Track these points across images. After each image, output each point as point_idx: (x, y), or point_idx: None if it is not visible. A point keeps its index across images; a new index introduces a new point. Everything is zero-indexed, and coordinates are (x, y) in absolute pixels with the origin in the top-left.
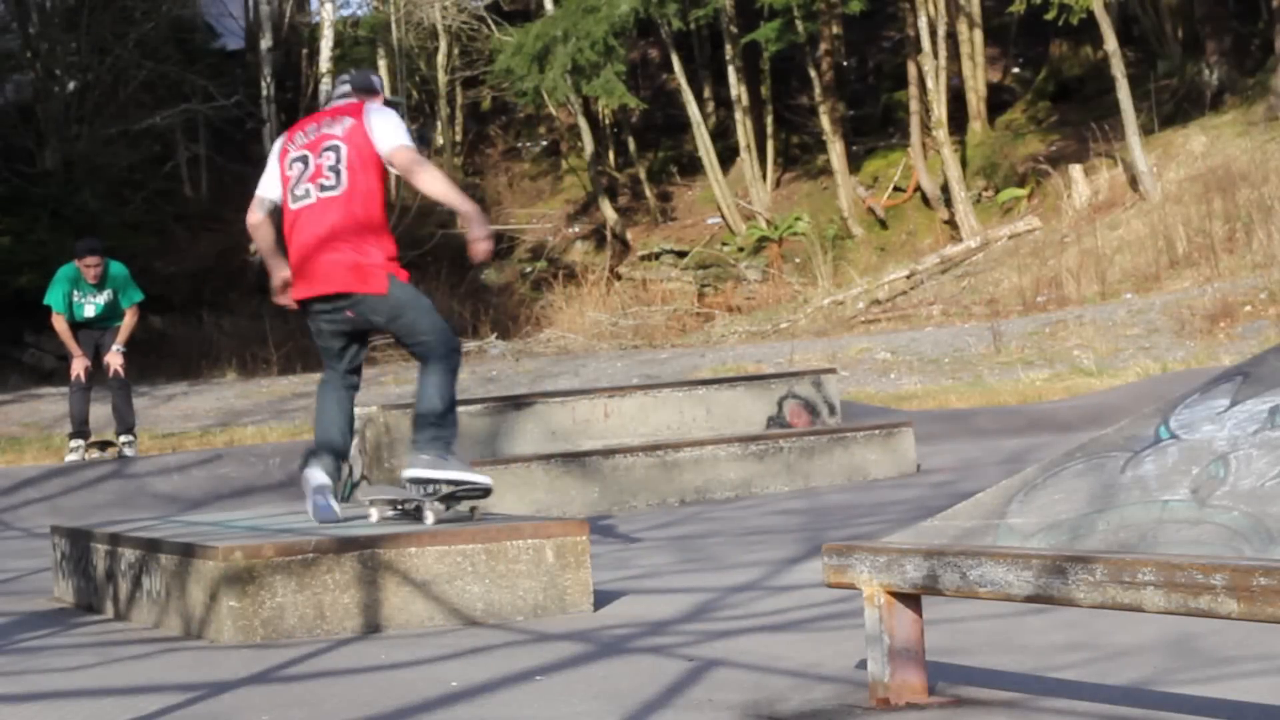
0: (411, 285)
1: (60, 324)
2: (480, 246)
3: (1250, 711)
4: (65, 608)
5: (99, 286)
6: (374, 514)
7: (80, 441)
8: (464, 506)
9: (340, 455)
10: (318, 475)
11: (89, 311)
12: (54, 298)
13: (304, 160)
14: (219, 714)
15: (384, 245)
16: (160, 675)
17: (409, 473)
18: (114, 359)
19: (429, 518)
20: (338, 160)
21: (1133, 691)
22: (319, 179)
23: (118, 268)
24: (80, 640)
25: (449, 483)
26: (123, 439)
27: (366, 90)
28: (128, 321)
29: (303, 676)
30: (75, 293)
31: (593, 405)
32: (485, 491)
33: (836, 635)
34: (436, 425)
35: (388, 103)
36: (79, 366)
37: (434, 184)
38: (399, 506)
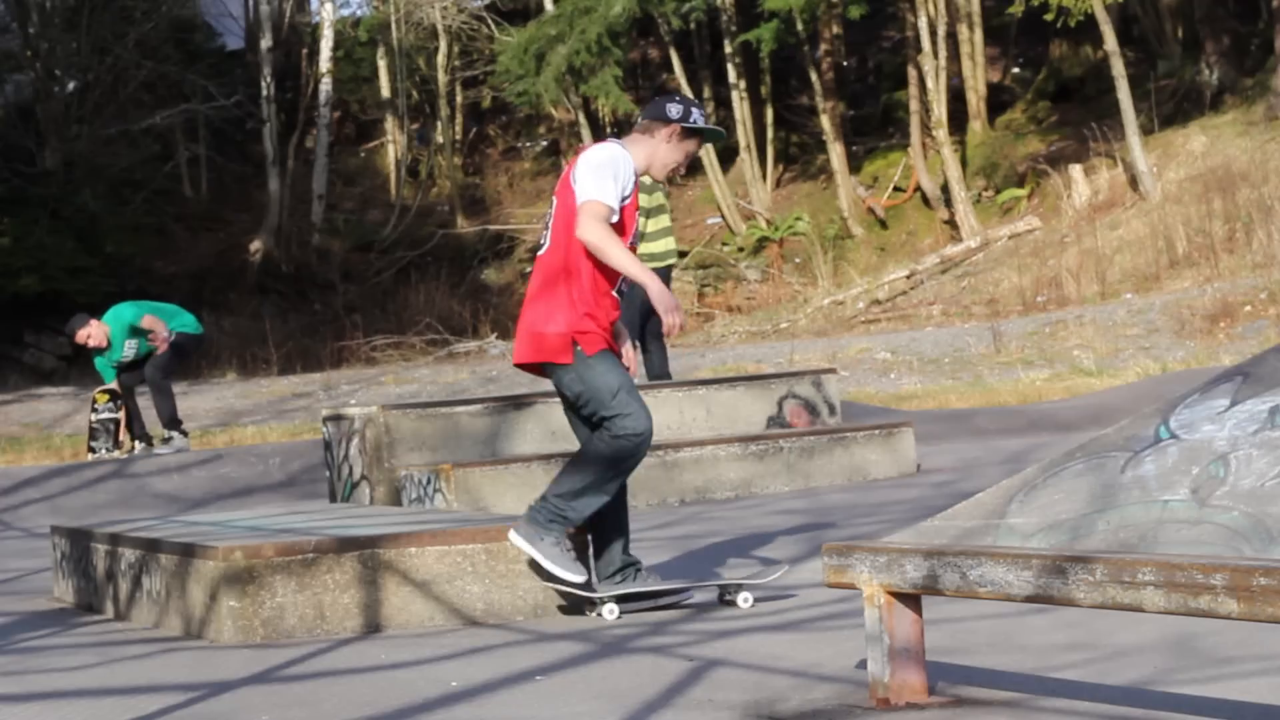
0: (602, 358)
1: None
2: (669, 320)
3: (1250, 711)
4: (65, 608)
5: (111, 350)
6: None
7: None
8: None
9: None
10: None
11: (126, 360)
12: (106, 375)
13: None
14: (219, 714)
15: (571, 311)
16: (160, 675)
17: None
18: (162, 344)
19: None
20: (549, 216)
21: (1133, 691)
22: (542, 235)
23: (119, 319)
24: (80, 640)
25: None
26: (164, 434)
27: (654, 119)
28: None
29: (303, 676)
30: (111, 360)
31: None
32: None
33: (836, 635)
34: (548, 501)
35: (691, 130)
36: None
37: (601, 246)
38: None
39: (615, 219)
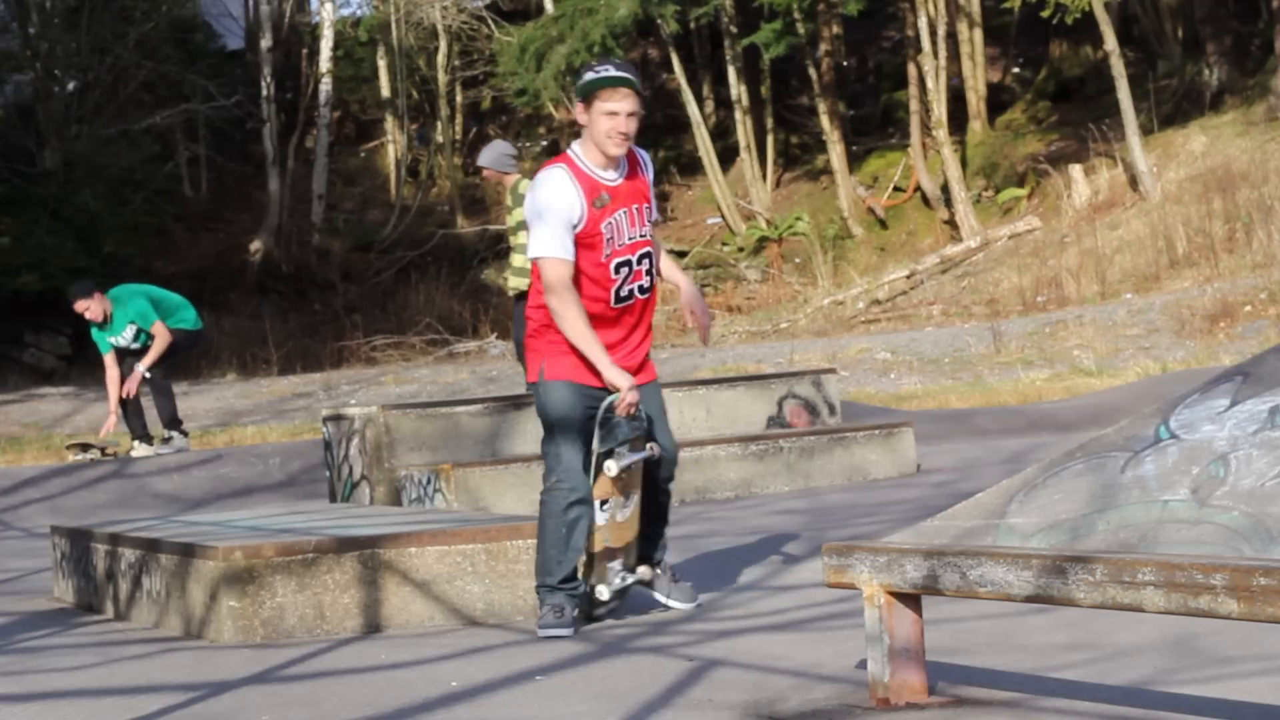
0: (555, 387)
1: (107, 369)
2: (627, 399)
3: (1250, 711)
4: (65, 608)
5: (110, 326)
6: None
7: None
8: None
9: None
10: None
11: (122, 344)
12: (102, 345)
13: None
14: (219, 714)
15: (546, 330)
16: (160, 675)
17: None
18: (130, 383)
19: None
20: None
21: (1133, 691)
22: None
23: (124, 304)
24: (80, 640)
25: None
26: (165, 434)
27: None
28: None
29: (303, 676)
30: (108, 335)
31: None
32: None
33: (836, 635)
34: (539, 589)
35: (589, 92)
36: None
37: (558, 314)
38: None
39: (569, 264)
